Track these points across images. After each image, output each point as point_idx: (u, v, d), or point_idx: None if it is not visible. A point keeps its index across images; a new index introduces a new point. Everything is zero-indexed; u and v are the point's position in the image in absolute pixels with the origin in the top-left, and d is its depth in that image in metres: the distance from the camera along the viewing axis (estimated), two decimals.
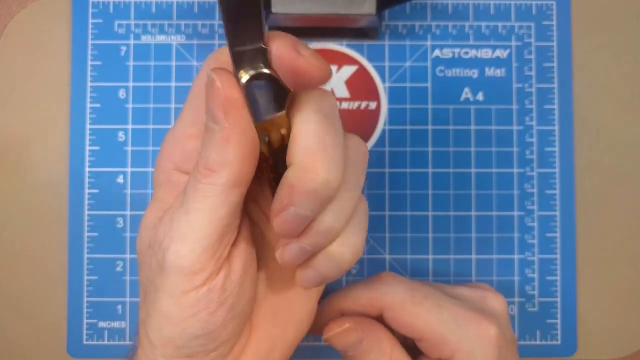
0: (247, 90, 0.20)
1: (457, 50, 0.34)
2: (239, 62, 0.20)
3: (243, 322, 0.23)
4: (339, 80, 0.34)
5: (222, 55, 0.21)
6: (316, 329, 0.30)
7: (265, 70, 0.20)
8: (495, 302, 0.28)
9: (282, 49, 0.20)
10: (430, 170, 0.34)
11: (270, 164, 0.22)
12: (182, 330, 0.21)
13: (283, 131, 0.21)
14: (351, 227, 0.22)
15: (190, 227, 0.21)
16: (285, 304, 0.25)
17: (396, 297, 0.27)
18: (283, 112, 0.20)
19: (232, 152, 0.20)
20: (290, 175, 0.20)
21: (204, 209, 0.20)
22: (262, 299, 0.25)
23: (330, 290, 0.27)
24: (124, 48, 0.34)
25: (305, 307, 0.25)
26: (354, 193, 0.22)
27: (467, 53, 0.34)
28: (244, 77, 0.20)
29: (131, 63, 0.34)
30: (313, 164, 0.20)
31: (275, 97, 0.20)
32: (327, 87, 0.34)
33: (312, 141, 0.20)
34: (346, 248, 0.22)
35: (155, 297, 0.22)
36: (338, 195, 0.21)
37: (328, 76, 0.20)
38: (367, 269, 0.34)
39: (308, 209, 0.20)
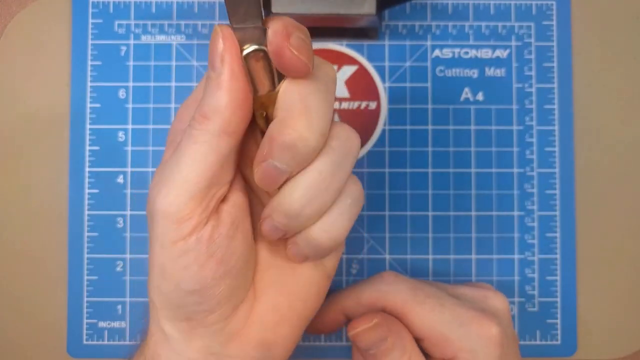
0: (246, 64, 0.21)
1: (457, 50, 0.34)
2: (239, 39, 0.21)
3: (240, 283, 0.23)
4: (339, 80, 0.34)
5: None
6: (318, 329, 0.30)
7: (263, 47, 0.21)
8: (497, 301, 0.28)
9: (274, 33, 0.20)
10: (430, 170, 0.34)
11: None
12: (176, 285, 0.22)
13: None
14: (333, 213, 0.23)
15: (178, 173, 0.21)
16: (291, 275, 0.25)
17: (398, 296, 0.27)
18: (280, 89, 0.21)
19: (224, 98, 0.21)
20: (271, 128, 0.21)
21: (193, 155, 0.21)
22: (267, 265, 0.25)
23: (331, 290, 0.27)
24: (124, 48, 0.34)
25: (312, 279, 0.25)
26: (331, 179, 0.22)
27: (467, 53, 0.34)
28: (244, 52, 0.21)
29: (131, 63, 0.34)
30: (292, 120, 0.21)
31: (272, 74, 0.21)
32: None
33: (295, 99, 0.21)
34: (325, 234, 0.23)
35: (151, 252, 0.22)
36: (309, 175, 0.22)
37: (307, 72, 0.21)
38: (367, 269, 0.34)
39: (284, 162, 0.21)
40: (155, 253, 0.22)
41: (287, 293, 0.25)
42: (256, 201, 0.25)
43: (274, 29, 0.20)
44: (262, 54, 0.21)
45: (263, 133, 0.22)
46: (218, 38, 0.21)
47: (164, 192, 0.21)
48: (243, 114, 0.21)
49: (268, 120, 0.22)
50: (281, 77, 0.21)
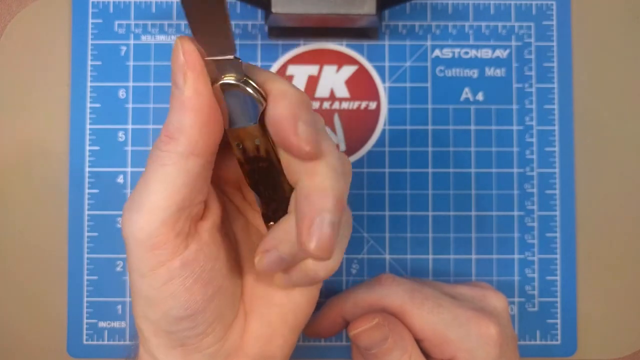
0: (219, 96, 0.20)
1: (457, 50, 0.34)
2: (212, 71, 0.20)
3: (229, 302, 0.23)
4: (339, 80, 0.34)
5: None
6: (317, 333, 0.30)
7: (236, 81, 0.20)
8: (496, 300, 0.28)
9: (282, 118, 0.19)
10: (430, 170, 0.34)
11: (247, 170, 0.22)
12: (165, 313, 0.21)
13: (257, 141, 0.21)
14: None
15: (147, 198, 0.20)
16: (279, 289, 0.25)
17: (396, 299, 0.27)
18: (256, 125, 0.20)
19: (188, 118, 0.20)
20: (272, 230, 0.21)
21: (161, 178, 0.20)
22: (254, 281, 0.25)
23: (330, 294, 0.27)
24: (124, 48, 0.34)
25: (302, 292, 0.25)
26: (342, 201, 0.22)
27: (467, 53, 0.34)
28: (219, 82, 0.20)
29: (131, 63, 0.34)
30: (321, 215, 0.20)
31: (248, 108, 0.20)
32: (327, 88, 0.34)
33: (320, 183, 0.20)
34: (320, 267, 0.22)
35: (130, 280, 0.22)
36: None
37: (314, 157, 0.20)
38: (367, 269, 0.34)
39: (288, 254, 0.21)
40: (135, 282, 0.21)
41: (277, 306, 0.25)
42: (241, 219, 0.25)
43: (281, 113, 0.19)
44: (236, 88, 0.20)
45: (240, 163, 0.22)
46: (179, 52, 0.20)
47: (135, 218, 0.20)
48: (211, 134, 0.20)
49: (245, 151, 0.21)
50: (254, 110, 0.20)
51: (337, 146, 0.23)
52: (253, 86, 0.20)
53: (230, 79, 0.20)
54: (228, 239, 0.24)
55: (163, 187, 0.20)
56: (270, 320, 0.24)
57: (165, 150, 0.20)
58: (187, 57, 0.19)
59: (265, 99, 0.20)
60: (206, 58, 0.20)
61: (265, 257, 0.22)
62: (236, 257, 0.24)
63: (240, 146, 0.21)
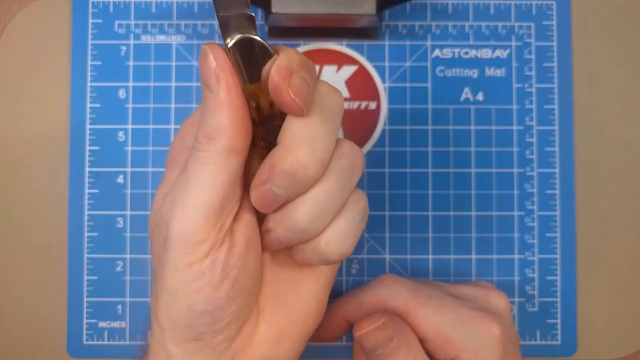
0: (234, 54, 0.21)
1: (457, 50, 0.34)
2: (225, 28, 0.21)
3: (249, 301, 0.23)
4: (339, 80, 0.34)
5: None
6: (321, 337, 0.30)
7: (249, 35, 0.20)
8: (499, 300, 0.28)
9: (276, 70, 0.20)
10: (430, 170, 0.34)
11: (261, 132, 0.22)
12: (188, 308, 0.22)
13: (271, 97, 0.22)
14: (338, 227, 0.23)
15: (191, 196, 0.21)
16: (292, 289, 0.25)
17: (399, 299, 0.27)
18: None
19: (226, 117, 0.21)
20: (273, 155, 0.21)
21: (204, 177, 0.21)
22: (269, 282, 0.25)
23: (332, 296, 0.27)
24: (124, 48, 0.34)
25: (312, 294, 0.25)
26: (334, 195, 0.22)
27: (467, 53, 0.34)
28: (230, 42, 0.21)
29: (131, 63, 0.34)
30: (295, 149, 0.21)
31: (261, 62, 0.21)
32: None
33: (302, 130, 0.21)
34: (332, 248, 0.23)
35: (161, 274, 0.22)
36: (313, 193, 0.22)
37: (301, 115, 0.21)
38: (367, 269, 0.34)
39: (282, 189, 0.21)
40: (167, 277, 0.22)
41: (287, 309, 0.25)
42: (261, 215, 0.25)
43: (278, 64, 0.20)
44: (250, 43, 0.21)
45: (255, 124, 0.22)
46: (209, 57, 0.21)
47: (178, 216, 0.21)
48: (246, 130, 0.21)
49: (259, 110, 0.22)
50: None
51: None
52: (265, 41, 0.21)
53: (244, 34, 0.21)
54: (257, 243, 0.24)
55: (206, 185, 0.21)
56: (280, 323, 0.25)
57: (205, 150, 0.21)
58: (218, 61, 0.21)
59: (274, 54, 0.21)
60: (221, 14, 0.20)
61: (266, 236, 0.23)
62: (260, 258, 0.24)
63: (255, 105, 0.22)
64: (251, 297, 0.24)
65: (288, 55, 0.21)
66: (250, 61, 0.21)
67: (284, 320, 0.25)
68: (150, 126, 0.34)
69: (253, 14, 0.21)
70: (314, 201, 0.22)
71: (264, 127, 0.22)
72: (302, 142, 0.21)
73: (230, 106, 0.21)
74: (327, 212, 0.22)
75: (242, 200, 0.23)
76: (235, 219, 0.23)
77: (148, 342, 0.24)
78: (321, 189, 0.22)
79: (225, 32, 0.21)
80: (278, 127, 0.22)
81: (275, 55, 0.21)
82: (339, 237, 0.23)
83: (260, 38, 0.21)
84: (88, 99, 0.34)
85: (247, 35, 0.21)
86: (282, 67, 0.20)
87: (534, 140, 0.34)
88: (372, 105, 0.34)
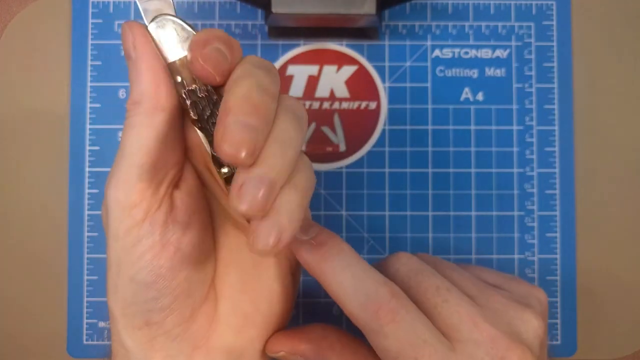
0: (156, 35, 0.23)
1: (457, 50, 0.34)
2: (146, 12, 0.23)
3: (199, 277, 0.23)
4: (339, 80, 0.34)
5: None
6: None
7: (166, 15, 0.23)
8: (534, 322, 0.24)
9: (193, 42, 0.22)
10: (430, 170, 0.34)
11: (189, 106, 0.23)
12: (131, 279, 0.22)
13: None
14: (285, 191, 0.21)
15: (122, 159, 0.22)
16: (253, 273, 0.24)
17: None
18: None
19: (145, 79, 0.22)
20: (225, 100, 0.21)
21: (132, 138, 0.22)
22: (227, 265, 0.24)
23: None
24: None
25: (275, 277, 0.24)
26: (294, 132, 0.21)
27: (467, 53, 0.34)
28: (151, 23, 0.23)
29: None
30: (241, 84, 0.21)
31: (181, 39, 0.23)
32: (327, 88, 0.34)
33: (243, 89, 0.21)
34: (283, 217, 0.21)
35: (107, 250, 0.23)
36: (267, 147, 0.20)
37: (213, 80, 0.22)
38: None
39: (248, 119, 0.20)
40: (110, 248, 0.22)
41: (250, 292, 0.24)
42: (215, 202, 0.25)
43: (194, 39, 0.22)
44: (167, 22, 0.23)
45: (182, 99, 0.23)
46: (127, 31, 0.22)
47: (113, 181, 0.22)
48: (169, 88, 0.22)
49: (184, 85, 0.23)
50: (188, 40, 0.23)
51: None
52: (185, 21, 0.23)
53: (161, 15, 0.23)
54: (202, 217, 0.24)
55: (136, 146, 0.22)
56: (242, 308, 0.24)
57: (132, 115, 0.22)
58: (134, 31, 0.22)
59: (195, 32, 0.23)
60: (142, 5, 0.23)
61: (239, 195, 0.20)
62: (210, 234, 0.24)
63: (180, 79, 0.23)
64: (200, 273, 0.23)
65: (205, 31, 0.22)
66: (170, 39, 0.23)
67: (247, 304, 0.24)
68: None
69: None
70: (276, 137, 0.21)
71: (191, 100, 0.23)
72: (244, 79, 0.21)
73: (148, 68, 0.22)
74: (289, 154, 0.21)
75: (185, 172, 0.24)
76: (177, 187, 0.23)
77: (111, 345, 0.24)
78: (280, 125, 0.21)
79: (146, 17, 0.23)
80: (204, 98, 0.23)
81: (194, 32, 0.23)
82: (285, 200, 0.21)
83: (178, 18, 0.23)
84: (88, 99, 0.34)
85: (163, 15, 0.23)
86: (196, 40, 0.22)
87: (534, 140, 0.34)
88: (372, 105, 0.34)
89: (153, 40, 0.23)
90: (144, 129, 0.22)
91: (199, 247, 0.23)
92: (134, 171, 0.22)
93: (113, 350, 0.23)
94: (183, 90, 0.23)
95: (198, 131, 0.23)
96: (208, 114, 0.23)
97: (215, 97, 0.23)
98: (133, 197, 0.22)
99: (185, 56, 0.23)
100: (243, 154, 0.19)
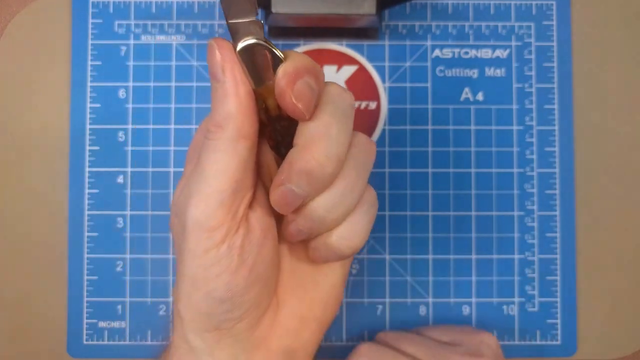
0: (243, 58, 0.22)
1: (457, 50, 0.34)
2: (235, 33, 0.22)
3: (267, 290, 0.24)
4: (339, 80, 0.34)
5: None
6: None
7: (257, 40, 0.22)
8: (489, 340, 0.29)
9: (282, 74, 0.21)
10: (430, 170, 0.34)
11: (269, 131, 0.23)
12: (207, 294, 0.22)
13: None
14: (350, 222, 0.23)
15: (205, 183, 0.22)
16: (310, 280, 0.26)
17: None
18: None
19: (233, 104, 0.22)
20: (291, 154, 0.22)
21: (216, 163, 0.22)
22: (288, 274, 0.26)
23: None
24: (124, 48, 0.34)
25: (331, 283, 0.26)
26: (353, 187, 0.23)
27: (467, 53, 0.34)
28: (239, 45, 0.22)
29: (131, 63, 0.34)
30: (313, 148, 0.22)
31: (269, 65, 0.22)
32: None
33: (316, 129, 0.22)
34: (344, 242, 0.23)
35: (181, 263, 0.23)
36: (334, 186, 0.22)
37: (303, 119, 0.22)
38: (367, 269, 0.34)
39: (301, 188, 0.22)
40: (186, 265, 0.23)
41: (307, 299, 0.25)
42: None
43: (284, 70, 0.21)
44: (258, 47, 0.22)
45: (263, 124, 0.23)
46: (214, 50, 0.22)
47: (194, 203, 0.22)
48: (253, 117, 0.22)
49: (268, 112, 0.23)
50: (276, 66, 0.22)
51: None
52: (273, 46, 0.22)
53: (252, 39, 0.22)
54: (273, 233, 0.24)
55: (219, 172, 0.22)
56: (300, 313, 0.25)
57: (216, 138, 0.22)
58: (223, 52, 0.22)
59: (282, 59, 0.22)
60: (230, 21, 0.21)
61: (288, 227, 0.23)
62: (278, 247, 0.25)
63: (263, 105, 0.23)
64: (269, 286, 0.24)
65: (294, 61, 0.22)
66: (258, 65, 0.22)
67: (304, 310, 0.25)
68: (150, 126, 0.34)
69: (261, 21, 0.22)
70: (334, 194, 0.22)
71: (272, 126, 0.23)
72: (317, 140, 0.22)
73: (236, 94, 0.21)
74: (346, 203, 0.23)
75: (257, 192, 0.24)
76: (251, 207, 0.23)
77: (170, 339, 0.25)
78: (341, 183, 0.22)
79: (235, 38, 0.22)
80: (285, 127, 0.23)
81: (282, 60, 0.22)
82: (350, 231, 0.23)
83: (268, 43, 0.22)
84: (88, 99, 0.34)
85: (254, 40, 0.22)
86: (287, 72, 0.21)
87: (534, 140, 0.34)
88: (372, 105, 0.34)
89: (241, 63, 0.22)
90: (227, 155, 0.22)
91: (271, 263, 0.24)
92: (215, 196, 0.22)
93: (174, 343, 0.24)
94: (266, 116, 0.23)
95: (273, 153, 0.24)
96: (286, 139, 0.23)
97: (295, 126, 0.22)
98: (214, 222, 0.22)
99: (272, 83, 0.22)
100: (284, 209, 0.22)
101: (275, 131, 0.23)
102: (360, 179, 0.23)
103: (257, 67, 0.22)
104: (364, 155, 0.23)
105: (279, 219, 0.25)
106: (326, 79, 0.23)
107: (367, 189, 0.24)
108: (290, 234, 0.24)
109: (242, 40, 0.22)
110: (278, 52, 0.22)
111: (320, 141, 0.22)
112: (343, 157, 0.22)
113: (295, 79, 0.21)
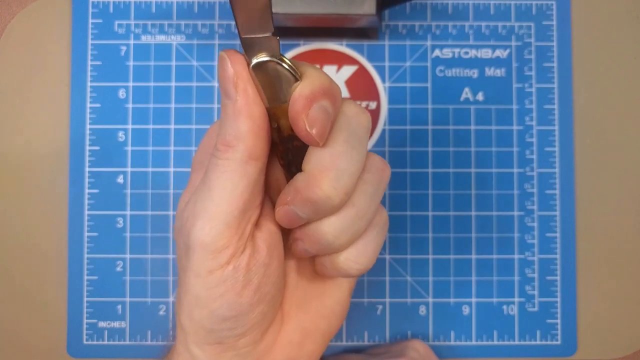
0: (256, 75, 0.20)
1: (457, 50, 0.34)
2: (248, 48, 0.20)
3: (272, 308, 0.24)
4: (339, 80, 0.34)
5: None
6: None
7: (273, 58, 0.20)
8: (417, 345, 0.31)
9: (297, 97, 0.20)
10: (430, 170, 0.34)
11: (280, 151, 0.22)
12: (211, 312, 0.22)
13: None
14: (359, 245, 0.23)
15: (212, 203, 0.21)
16: (316, 294, 0.25)
17: None
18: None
19: (244, 125, 0.21)
20: (298, 180, 0.21)
21: (224, 184, 0.21)
22: (293, 289, 0.25)
23: None
24: (124, 48, 0.34)
25: (336, 298, 0.26)
26: (364, 214, 0.22)
27: (467, 53, 0.34)
28: (253, 61, 0.20)
29: (131, 63, 0.34)
30: (321, 178, 0.21)
31: (284, 84, 0.20)
32: None
33: (326, 158, 0.21)
34: (352, 264, 0.23)
35: (184, 279, 0.22)
36: (344, 211, 0.22)
37: (316, 145, 0.21)
38: None
39: (304, 213, 0.21)
40: (189, 283, 0.22)
41: (312, 313, 0.25)
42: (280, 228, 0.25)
43: (299, 93, 0.20)
44: (272, 64, 0.20)
45: (275, 144, 0.22)
46: (226, 64, 0.20)
47: (200, 224, 0.21)
48: (266, 137, 0.21)
49: (280, 131, 0.22)
50: (290, 86, 0.21)
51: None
52: (288, 64, 0.20)
53: (266, 56, 0.20)
54: (279, 250, 0.24)
55: (227, 193, 0.21)
56: (304, 327, 0.25)
57: (224, 158, 0.21)
58: (236, 68, 0.20)
59: (298, 78, 0.20)
60: (244, 36, 0.20)
61: (294, 245, 0.23)
62: (284, 266, 0.25)
63: (276, 125, 0.22)
64: (274, 304, 0.24)
65: (311, 83, 0.20)
66: (272, 83, 0.20)
67: (308, 324, 0.25)
68: (150, 126, 0.34)
69: (278, 37, 0.20)
70: (342, 220, 0.22)
71: (284, 146, 0.22)
72: (326, 170, 0.21)
73: (248, 114, 0.20)
74: (355, 229, 0.22)
75: (264, 208, 0.23)
76: (257, 226, 0.23)
77: (174, 343, 0.25)
78: (351, 210, 0.22)
79: (249, 53, 0.20)
80: (297, 147, 0.22)
81: (299, 81, 0.20)
82: (358, 254, 0.23)
83: (285, 61, 0.20)
84: (88, 99, 0.34)
85: (269, 58, 0.20)
86: (303, 95, 0.20)
87: (534, 140, 0.34)
88: (372, 105, 0.34)
89: (254, 79, 0.20)
90: (236, 176, 0.21)
91: (277, 282, 0.23)
92: (222, 217, 0.21)
93: (176, 350, 0.24)
94: (278, 135, 0.22)
95: (286, 175, 0.23)
96: (298, 159, 0.22)
97: (307, 148, 0.21)
98: (220, 243, 0.21)
99: (286, 104, 0.20)
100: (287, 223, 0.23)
101: (287, 150, 0.22)
102: (373, 204, 0.22)
103: (271, 86, 0.20)
104: (377, 180, 0.22)
105: (285, 232, 0.24)
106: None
107: (378, 211, 0.23)
108: (297, 251, 0.23)
109: (257, 57, 0.20)
110: (294, 71, 0.20)
111: (330, 171, 0.21)
112: (352, 188, 0.21)
113: (311, 103, 0.20)
